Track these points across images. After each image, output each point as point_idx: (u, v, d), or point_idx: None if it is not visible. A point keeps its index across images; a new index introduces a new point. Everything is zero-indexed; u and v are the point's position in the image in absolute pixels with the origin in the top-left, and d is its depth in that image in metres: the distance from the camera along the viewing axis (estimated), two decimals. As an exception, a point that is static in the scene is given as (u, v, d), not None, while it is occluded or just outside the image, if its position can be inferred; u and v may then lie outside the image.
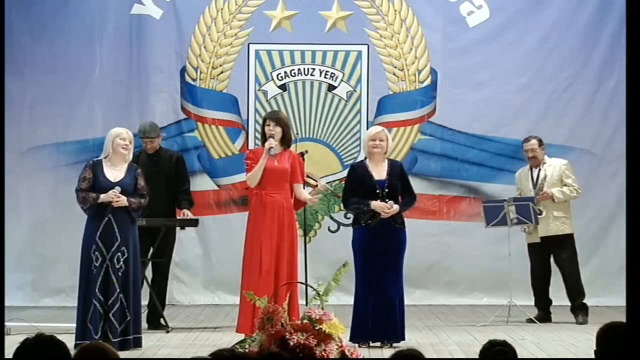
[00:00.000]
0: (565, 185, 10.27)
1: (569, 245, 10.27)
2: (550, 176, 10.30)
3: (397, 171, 8.70)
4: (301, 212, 10.12)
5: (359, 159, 11.50)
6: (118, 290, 8.12)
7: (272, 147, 8.50)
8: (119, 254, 8.16)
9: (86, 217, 8.29)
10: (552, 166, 10.36)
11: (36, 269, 11.88)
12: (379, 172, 8.64)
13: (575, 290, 10.24)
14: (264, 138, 8.66)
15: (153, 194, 9.19)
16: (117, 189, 8.17)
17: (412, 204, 8.89)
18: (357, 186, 8.68)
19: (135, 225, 8.34)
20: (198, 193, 11.77)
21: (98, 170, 8.28)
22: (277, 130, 8.58)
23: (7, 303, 9.62)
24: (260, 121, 11.51)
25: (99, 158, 8.39)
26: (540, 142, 10.39)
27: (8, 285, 10.41)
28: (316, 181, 9.21)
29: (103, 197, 8.16)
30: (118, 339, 8.04)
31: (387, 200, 8.52)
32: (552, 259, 10.34)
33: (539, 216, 10.12)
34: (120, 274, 8.15)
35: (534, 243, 10.29)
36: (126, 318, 8.15)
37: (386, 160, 8.73)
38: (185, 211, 9.72)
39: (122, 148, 8.27)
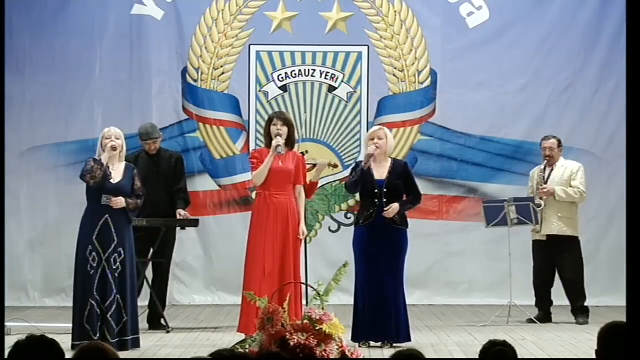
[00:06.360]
0: (571, 186, 10.28)
1: (572, 249, 10.24)
2: (560, 176, 10.30)
3: (400, 170, 8.69)
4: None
5: (359, 160, 11.53)
6: (115, 290, 8.10)
7: (279, 145, 8.49)
8: (116, 254, 8.14)
9: (82, 217, 8.25)
10: (564, 167, 10.36)
11: (36, 269, 11.89)
12: (380, 171, 8.64)
13: (575, 294, 10.23)
14: (268, 137, 8.64)
15: (153, 194, 9.20)
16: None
17: (416, 203, 8.88)
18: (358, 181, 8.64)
19: (130, 226, 8.32)
20: (199, 193, 11.80)
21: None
22: (284, 130, 8.58)
23: (7, 303, 9.63)
24: (261, 122, 11.60)
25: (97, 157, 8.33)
26: (559, 143, 10.40)
27: (8, 285, 10.42)
28: (314, 161, 9.19)
29: (104, 199, 8.14)
30: (115, 340, 8.03)
31: (384, 199, 8.53)
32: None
33: (537, 208, 10.12)
34: (116, 274, 8.13)
35: (539, 240, 10.29)
36: (123, 318, 8.14)
37: (389, 159, 8.73)
38: (182, 211, 9.71)
39: (111, 148, 8.18)
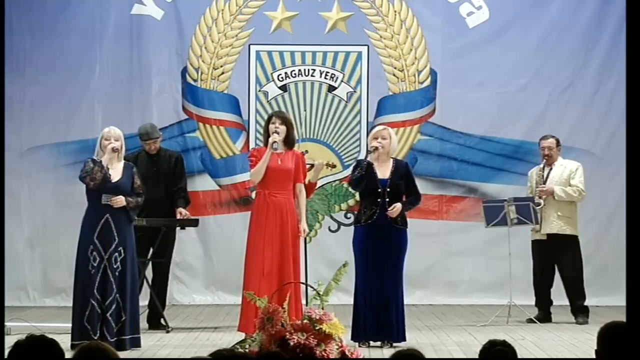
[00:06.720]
0: (570, 185, 10.28)
1: (572, 248, 10.25)
2: (559, 176, 10.31)
3: (402, 171, 8.71)
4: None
5: (359, 158, 11.51)
6: (115, 290, 8.11)
7: (275, 142, 8.51)
8: (116, 254, 8.14)
9: (83, 217, 8.25)
10: (564, 166, 10.38)
11: (36, 269, 11.89)
12: (383, 171, 8.64)
13: (574, 293, 10.24)
14: (267, 135, 8.65)
15: (153, 194, 9.20)
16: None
17: (416, 204, 8.92)
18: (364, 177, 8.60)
19: (131, 225, 8.32)
20: (199, 193, 11.80)
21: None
22: (282, 129, 8.60)
23: (7, 303, 9.62)
24: (261, 122, 11.60)
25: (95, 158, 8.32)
26: (558, 143, 10.41)
27: (8, 285, 10.42)
28: (312, 162, 9.20)
29: (105, 199, 8.14)
30: (114, 339, 8.03)
31: (387, 199, 8.54)
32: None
33: (537, 207, 10.13)
34: (117, 274, 8.13)
35: (538, 240, 10.29)
36: (122, 318, 8.14)
37: (391, 160, 8.74)
38: (182, 210, 9.71)
39: (112, 150, 8.18)
